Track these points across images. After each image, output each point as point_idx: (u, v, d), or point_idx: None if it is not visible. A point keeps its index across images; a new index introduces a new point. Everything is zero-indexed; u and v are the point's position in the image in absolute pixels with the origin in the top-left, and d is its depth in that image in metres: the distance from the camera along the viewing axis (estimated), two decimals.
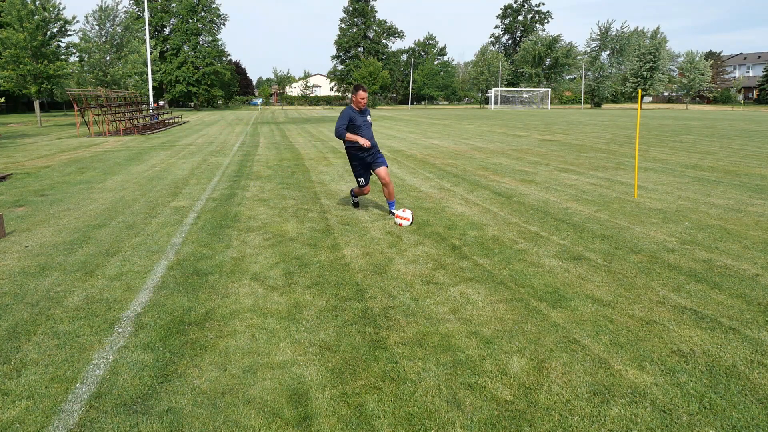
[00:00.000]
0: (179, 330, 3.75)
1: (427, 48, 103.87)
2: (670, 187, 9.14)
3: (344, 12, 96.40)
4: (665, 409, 2.77)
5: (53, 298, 4.34)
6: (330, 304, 4.20)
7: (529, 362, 3.26)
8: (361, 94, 6.79)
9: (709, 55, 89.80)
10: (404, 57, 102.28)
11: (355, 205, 7.73)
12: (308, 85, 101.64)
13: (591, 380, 3.05)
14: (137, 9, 69.85)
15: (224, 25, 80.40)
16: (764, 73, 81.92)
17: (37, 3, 33.00)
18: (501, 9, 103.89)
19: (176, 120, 34.73)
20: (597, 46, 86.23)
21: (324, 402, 2.88)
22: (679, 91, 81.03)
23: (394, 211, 7.04)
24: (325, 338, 3.61)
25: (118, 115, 26.71)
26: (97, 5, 43.59)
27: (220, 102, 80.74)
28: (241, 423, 2.71)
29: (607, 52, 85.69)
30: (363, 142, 6.70)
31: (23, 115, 47.62)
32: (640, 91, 7.67)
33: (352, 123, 6.79)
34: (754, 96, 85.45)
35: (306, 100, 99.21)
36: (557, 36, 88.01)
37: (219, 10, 78.25)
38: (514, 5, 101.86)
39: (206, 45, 76.80)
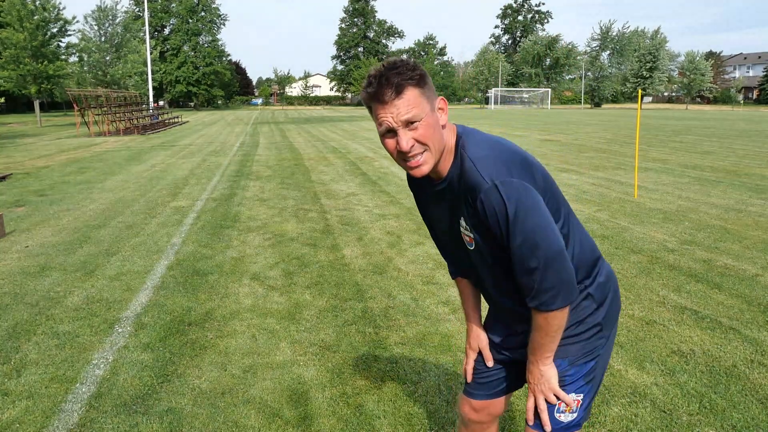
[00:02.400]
0: (179, 330, 3.74)
1: (427, 48, 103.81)
2: (670, 187, 9.14)
3: (344, 12, 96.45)
4: (665, 409, 2.77)
5: (53, 298, 4.33)
6: (330, 304, 4.20)
7: None
8: (380, 111, 1.47)
9: (709, 55, 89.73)
10: (404, 57, 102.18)
11: None
12: (308, 85, 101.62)
13: None
14: (137, 9, 69.86)
15: (224, 25, 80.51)
16: (764, 73, 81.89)
17: (37, 3, 33.02)
18: (501, 9, 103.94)
19: (176, 120, 34.72)
20: (597, 46, 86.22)
21: (324, 402, 2.88)
22: (679, 91, 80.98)
23: None
24: (325, 338, 3.61)
25: (118, 115, 26.71)
26: (96, 5, 43.59)
27: (219, 102, 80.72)
28: (241, 423, 2.71)
29: (608, 52, 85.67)
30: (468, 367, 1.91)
31: (23, 115, 47.62)
32: (640, 91, 7.67)
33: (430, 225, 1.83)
34: (755, 96, 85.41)
35: (306, 100, 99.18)
36: (557, 36, 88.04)
37: (219, 10, 78.32)
38: (514, 5, 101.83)
39: (206, 45, 76.82)
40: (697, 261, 5.12)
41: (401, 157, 1.51)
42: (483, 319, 1.92)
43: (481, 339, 1.88)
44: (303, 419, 2.73)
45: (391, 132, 1.48)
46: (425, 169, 1.51)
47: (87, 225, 6.81)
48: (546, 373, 1.61)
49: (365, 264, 5.15)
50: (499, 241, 1.48)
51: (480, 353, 1.88)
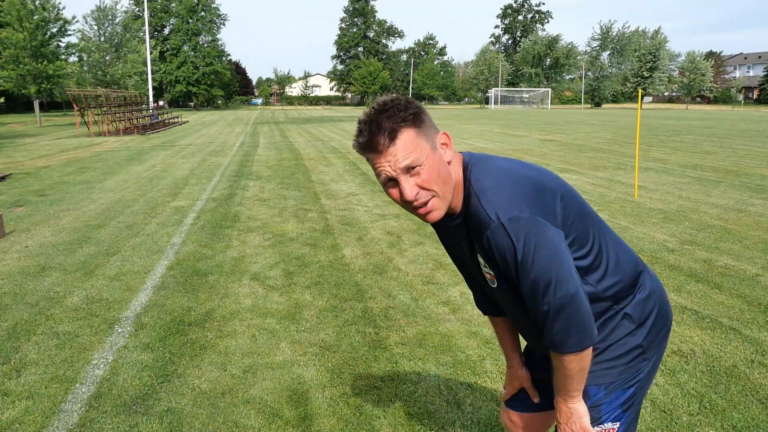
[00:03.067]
0: (179, 330, 3.74)
1: (427, 48, 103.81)
2: (671, 187, 9.14)
3: (344, 12, 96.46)
4: (665, 409, 2.76)
5: (53, 298, 4.33)
6: (330, 304, 4.20)
7: None
8: (376, 161, 1.37)
9: (709, 55, 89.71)
10: (404, 57, 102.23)
11: None
12: (308, 85, 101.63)
13: None
14: (137, 9, 69.87)
15: (224, 25, 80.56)
16: (765, 73, 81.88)
17: (37, 3, 33.02)
18: (501, 9, 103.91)
19: (176, 120, 34.72)
20: (597, 46, 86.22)
21: (324, 402, 2.88)
22: (679, 91, 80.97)
23: None
24: (325, 338, 3.61)
25: (117, 115, 26.71)
26: (96, 5, 43.60)
27: (219, 102, 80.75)
28: (241, 423, 2.71)
29: (608, 52, 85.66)
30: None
31: (23, 115, 47.61)
32: (640, 90, 7.67)
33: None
34: (755, 96, 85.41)
35: (306, 100, 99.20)
36: (557, 36, 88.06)
37: (219, 10, 78.34)
38: (514, 5, 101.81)
39: (206, 45, 76.83)
40: (698, 261, 5.12)
41: (408, 207, 1.38)
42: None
43: (523, 379, 1.78)
44: (303, 419, 2.73)
45: (392, 181, 1.36)
46: (436, 215, 1.40)
47: (87, 225, 6.80)
48: (576, 410, 1.48)
49: (365, 264, 5.15)
50: (512, 279, 1.40)
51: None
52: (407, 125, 1.33)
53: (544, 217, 1.33)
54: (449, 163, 1.40)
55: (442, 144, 1.40)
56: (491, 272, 1.47)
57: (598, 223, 1.50)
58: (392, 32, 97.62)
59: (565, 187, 1.47)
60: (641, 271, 1.55)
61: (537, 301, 1.35)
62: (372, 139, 1.33)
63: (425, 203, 1.37)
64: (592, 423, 1.50)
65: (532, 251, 1.31)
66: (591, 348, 1.40)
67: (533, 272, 1.32)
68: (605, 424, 1.51)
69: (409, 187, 1.34)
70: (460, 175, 1.43)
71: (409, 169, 1.34)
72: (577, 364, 1.40)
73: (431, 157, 1.35)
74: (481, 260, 1.48)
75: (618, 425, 1.52)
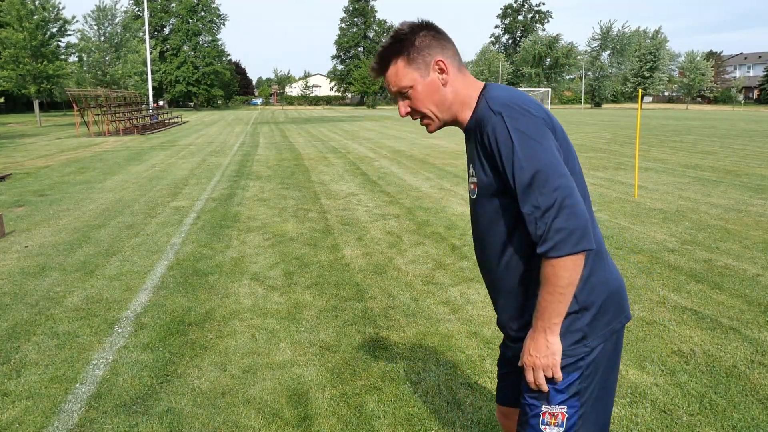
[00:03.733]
0: (179, 330, 3.74)
1: None
2: (671, 187, 9.14)
3: (344, 12, 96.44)
4: (665, 409, 2.76)
5: (53, 298, 4.33)
6: (330, 304, 4.20)
7: None
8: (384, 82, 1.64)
9: (710, 55, 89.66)
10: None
11: None
12: (308, 85, 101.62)
13: None
14: (137, 9, 69.87)
15: (224, 25, 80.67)
16: (765, 73, 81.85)
17: (37, 3, 33.04)
18: (501, 9, 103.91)
19: (176, 120, 34.72)
20: (598, 45, 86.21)
21: (324, 402, 2.88)
22: (679, 91, 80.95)
23: None
24: (325, 338, 3.61)
25: (117, 115, 26.71)
26: (96, 5, 43.60)
27: (219, 102, 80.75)
28: (241, 423, 2.71)
29: (608, 52, 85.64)
30: None
31: (22, 115, 47.61)
32: (640, 90, 7.66)
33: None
34: (755, 96, 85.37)
35: (306, 100, 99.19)
36: (557, 36, 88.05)
37: (219, 10, 78.40)
38: (514, 5, 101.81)
39: (206, 45, 76.87)
40: (698, 261, 5.12)
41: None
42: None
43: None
44: (303, 419, 2.73)
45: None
46: (432, 128, 1.62)
47: (87, 225, 6.80)
48: (553, 346, 1.42)
49: (365, 264, 5.15)
50: (504, 178, 1.40)
51: (502, 356, 1.73)
52: (396, 55, 1.54)
53: (544, 124, 1.42)
54: (445, 84, 1.54)
55: (439, 69, 1.53)
56: (475, 180, 1.53)
57: (579, 182, 1.49)
58: None
59: (559, 129, 1.50)
60: (596, 253, 1.50)
61: (535, 192, 1.34)
62: (375, 67, 1.60)
63: (420, 119, 1.60)
64: (541, 399, 1.48)
65: (530, 142, 1.37)
66: (584, 258, 1.37)
67: (531, 162, 1.35)
68: (552, 406, 1.47)
69: (403, 107, 1.59)
70: (467, 94, 1.55)
71: (400, 93, 1.57)
72: (569, 274, 1.35)
73: (421, 83, 1.53)
74: (471, 170, 1.55)
75: (566, 409, 1.47)
